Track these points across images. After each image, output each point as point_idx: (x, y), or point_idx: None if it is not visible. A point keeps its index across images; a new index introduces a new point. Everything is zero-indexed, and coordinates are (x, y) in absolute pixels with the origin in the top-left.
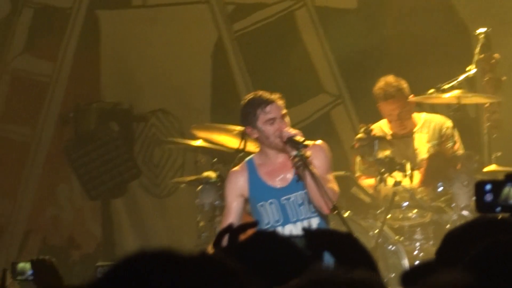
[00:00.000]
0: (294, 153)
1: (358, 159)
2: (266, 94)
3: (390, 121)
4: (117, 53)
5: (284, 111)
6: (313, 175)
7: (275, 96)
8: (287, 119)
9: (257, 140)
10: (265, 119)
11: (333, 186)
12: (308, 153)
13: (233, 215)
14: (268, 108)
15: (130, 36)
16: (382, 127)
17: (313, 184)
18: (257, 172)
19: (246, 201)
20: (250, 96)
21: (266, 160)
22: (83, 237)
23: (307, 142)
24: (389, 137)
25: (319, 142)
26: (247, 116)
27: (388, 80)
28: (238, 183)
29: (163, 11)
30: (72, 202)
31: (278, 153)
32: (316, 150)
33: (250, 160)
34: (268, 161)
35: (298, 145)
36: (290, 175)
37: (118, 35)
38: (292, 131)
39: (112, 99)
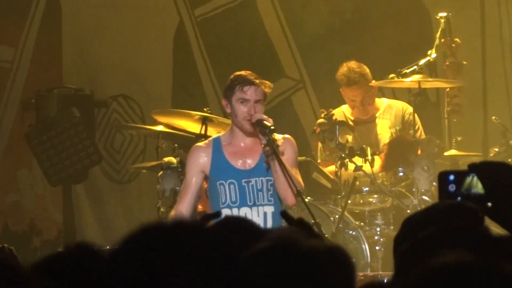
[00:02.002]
0: (265, 139)
1: (319, 145)
2: (251, 76)
3: (352, 107)
4: (78, 38)
5: (261, 98)
6: (282, 164)
7: (259, 81)
8: (261, 107)
9: (230, 116)
10: (239, 97)
11: (299, 179)
12: (279, 141)
13: (191, 190)
14: (246, 88)
15: (92, 21)
16: (344, 112)
17: (281, 173)
18: (222, 150)
19: (206, 178)
20: (239, 72)
21: (233, 140)
22: (44, 223)
23: (277, 136)
24: (350, 122)
25: (288, 136)
26: (227, 89)
27: (351, 65)
28: (200, 159)
29: None
30: (33, 188)
31: (247, 136)
32: (285, 143)
33: (217, 138)
34: (236, 142)
35: (266, 129)
36: (255, 159)
37: (79, 20)
38: (264, 116)
39: (74, 85)
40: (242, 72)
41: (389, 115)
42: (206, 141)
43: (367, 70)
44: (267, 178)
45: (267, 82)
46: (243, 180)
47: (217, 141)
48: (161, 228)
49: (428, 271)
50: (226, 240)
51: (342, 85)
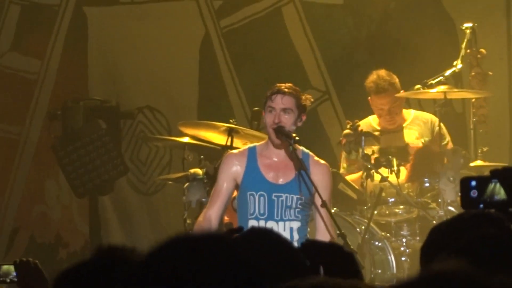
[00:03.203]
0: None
1: (344, 155)
2: (284, 86)
3: (379, 116)
4: (104, 50)
5: (289, 106)
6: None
7: (288, 90)
8: (288, 116)
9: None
10: (267, 106)
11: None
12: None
13: (222, 196)
14: (273, 97)
15: (118, 33)
16: (370, 122)
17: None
18: (256, 161)
19: (237, 186)
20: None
21: (268, 152)
22: (70, 234)
23: (316, 158)
24: (377, 133)
25: (324, 162)
26: (264, 101)
27: (380, 73)
28: (233, 167)
29: (151, 7)
30: (59, 200)
31: (280, 149)
32: (325, 171)
33: (253, 148)
34: (270, 154)
35: (290, 139)
36: (289, 176)
37: (105, 32)
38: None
39: (99, 96)
40: (279, 83)
41: (417, 126)
42: (241, 150)
43: (397, 80)
44: (297, 196)
45: (303, 94)
46: (274, 194)
47: (252, 150)
48: (190, 239)
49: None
50: (255, 252)
51: (371, 93)
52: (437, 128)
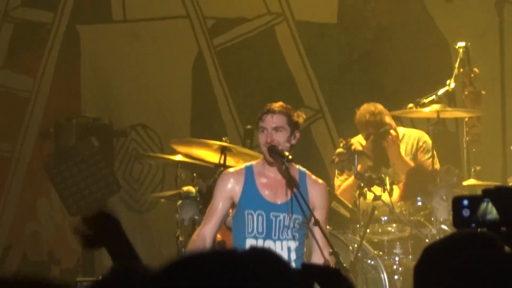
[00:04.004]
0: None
1: (336, 172)
2: (273, 105)
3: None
4: (97, 68)
5: (280, 125)
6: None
7: (278, 109)
8: (281, 134)
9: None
10: (259, 126)
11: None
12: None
13: (217, 214)
14: (264, 116)
15: (111, 51)
16: (361, 141)
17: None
18: (254, 179)
19: (233, 205)
20: None
21: (265, 171)
22: (63, 252)
23: (313, 177)
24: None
25: (322, 181)
26: (256, 122)
27: (371, 109)
28: (230, 185)
29: (144, 25)
30: (52, 218)
31: (276, 168)
32: (323, 191)
33: (250, 166)
34: (268, 173)
35: (283, 158)
36: (287, 195)
37: (98, 50)
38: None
39: (92, 114)
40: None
41: (405, 144)
42: (238, 168)
43: (381, 108)
44: (295, 216)
45: (294, 111)
46: (272, 213)
47: (249, 169)
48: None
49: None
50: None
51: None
52: (421, 143)
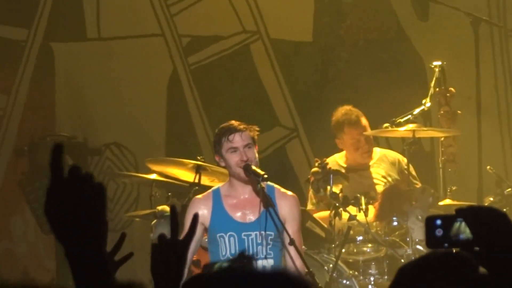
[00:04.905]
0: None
1: (311, 191)
2: (234, 124)
3: (356, 149)
4: (71, 86)
5: (250, 141)
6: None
7: (243, 126)
8: (252, 151)
9: (226, 169)
10: (228, 147)
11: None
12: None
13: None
14: (231, 137)
15: (85, 68)
16: (337, 160)
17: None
18: (222, 202)
19: (205, 230)
20: (221, 125)
21: (232, 192)
22: (37, 271)
23: (282, 190)
24: (343, 171)
25: (292, 194)
26: (215, 144)
27: (346, 107)
28: (200, 211)
29: (118, 43)
30: (26, 236)
31: (246, 186)
32: (293, 203)
33: (217, 189)
34: (235, 193)
35: (258, 177)
36: (256, 213)
37: (73, 67)
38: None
39: (67, 132)
40: (224, 124)
41: (384, 164)
42: (205, 194)
43: (357, 110)
44: (267, 232)
45: (252, 126)
46: (243, 233)
47: (216, 192)
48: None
49: None
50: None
51: (344, 126)
52: (404, 167)
